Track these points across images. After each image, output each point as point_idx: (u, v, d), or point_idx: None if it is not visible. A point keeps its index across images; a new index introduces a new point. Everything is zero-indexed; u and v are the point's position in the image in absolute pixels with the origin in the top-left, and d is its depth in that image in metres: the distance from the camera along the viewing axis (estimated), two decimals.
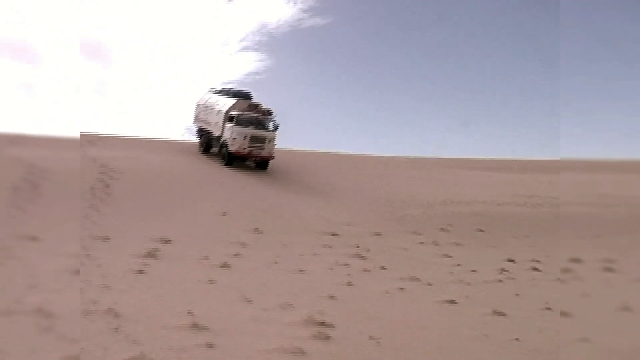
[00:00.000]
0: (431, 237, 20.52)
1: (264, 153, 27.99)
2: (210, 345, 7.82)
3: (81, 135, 25.79)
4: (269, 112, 28.54)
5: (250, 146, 27.47)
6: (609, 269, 15.11)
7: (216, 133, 29.47)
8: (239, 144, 27.47)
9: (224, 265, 13.43)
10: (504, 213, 25.45)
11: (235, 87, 31.06)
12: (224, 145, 28.49)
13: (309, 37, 77.17)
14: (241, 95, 29.55)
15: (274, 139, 28.16)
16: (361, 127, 74.16)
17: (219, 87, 32.30)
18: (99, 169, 22.24)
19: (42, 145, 24.84)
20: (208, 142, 30.98)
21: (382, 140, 71.90)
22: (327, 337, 8.86)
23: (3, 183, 17.62)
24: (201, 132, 32.00)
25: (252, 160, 28.46)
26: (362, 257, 16.23)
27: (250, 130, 27.36)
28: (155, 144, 34.55)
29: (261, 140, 27.63)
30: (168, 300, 10.16)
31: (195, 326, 8.59)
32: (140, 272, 11.96)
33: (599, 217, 22.90)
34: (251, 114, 27.96)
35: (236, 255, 14.72)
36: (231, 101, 29.07)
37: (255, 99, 30.38)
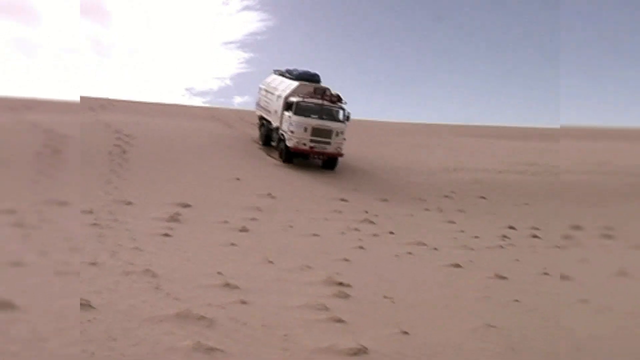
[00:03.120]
0: (435, 203, 21.35)
1: (329, 149, 22.95)
2: (244, 302, 8.64)
3: (93, 99, 26.32)
4: (338, 99, 23.43)
5: (312, 140, 22.63)
6: (607, 236, 15.78)
7: (275, 123, 24.56)
8: (298, 138, 22.60)
9: (243, 229, 14.27)
10: (505, 181, 26.20)
11: (300, 68, 25.68)
12: (281, 139, 23.71)
13: None
14: (305, 78, 24.42)
15: (342, 132, 23.07)
16: (365, 89, 74.20)
17: (284, 68, 27.11)
18: (114, 135, 22.91)
19: (55, 109, 25.38)
20: (267, 134, 25.98)
21: (385, 104, 72.10)
22: (347, 296, 9.71)
23: (27, 149, 18.30)
24: (262, 121, 27.15)
25: (315, 157, 23.44)
26: (371, 222, 17.08)
27: (313, 121, 22.52)
28: (161, 107, 35.16)
29: (326, 133, 22.69)
30: (196, 261, 11.00)
31: (227, 285, 9.41)
32: (166, 235, 12.80)
33: (599, 185, 23.60)
34: (314, 101, 22.85)
35: (253, 219, 15.56)
36: (292, 85, 24.08)
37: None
